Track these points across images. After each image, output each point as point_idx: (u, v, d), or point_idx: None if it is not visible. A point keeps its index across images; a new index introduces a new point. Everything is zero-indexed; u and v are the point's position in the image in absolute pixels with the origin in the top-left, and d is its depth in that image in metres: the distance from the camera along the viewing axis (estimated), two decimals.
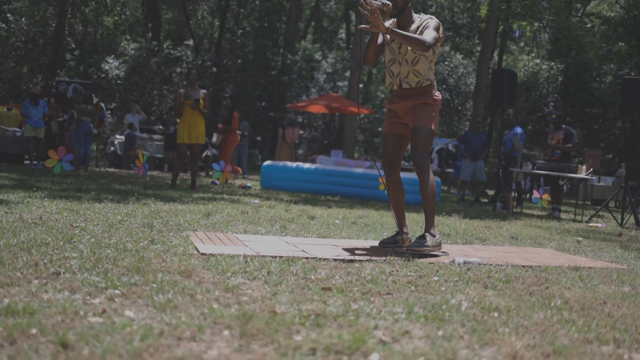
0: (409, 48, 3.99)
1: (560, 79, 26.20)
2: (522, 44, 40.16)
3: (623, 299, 2.86)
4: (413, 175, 10.29)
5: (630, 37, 26.40)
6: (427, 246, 3.87)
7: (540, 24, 25.57)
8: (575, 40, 24.75)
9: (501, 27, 31.32)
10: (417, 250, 3.84)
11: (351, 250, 3.84)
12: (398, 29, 4.05)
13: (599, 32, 28.13)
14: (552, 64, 27.10)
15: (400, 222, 4.32)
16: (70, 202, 5.44)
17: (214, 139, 11.80)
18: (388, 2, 3.89)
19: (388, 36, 4.12)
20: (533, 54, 36.22)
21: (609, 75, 25.73)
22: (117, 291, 2.28)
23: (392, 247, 4.14)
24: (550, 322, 2.29)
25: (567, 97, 25.78)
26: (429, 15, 4.11)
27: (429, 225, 4.02)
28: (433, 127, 4.07)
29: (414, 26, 4.07)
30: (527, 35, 38.25)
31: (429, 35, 3.90)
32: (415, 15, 4.14)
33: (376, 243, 4.34)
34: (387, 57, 4.19)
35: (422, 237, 3.92)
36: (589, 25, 27.89)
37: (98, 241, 3.40)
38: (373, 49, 4.10)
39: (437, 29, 3.97)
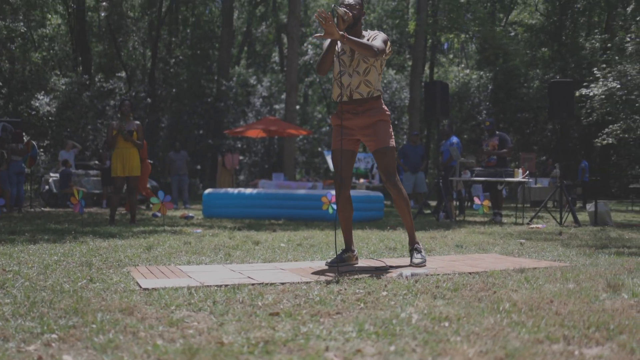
0: (361, 60, 4.07)
1: (490, 87, 26.92)
2: (451, 56, 41.13)
3: (569, 296, 2.89)
4: (359, 193, 10.32)
5: (552, 42, 27.40)
6: (424, 259, 4.18)
7: (467, 35, 26.27)
8: (501, 49, 25.51)
9: (430, 40, 32.05)
10: (421, 265, 4.09)
11: (298, 273, 3.79)
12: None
13: (522, 40, 29.09)
14: (482, 73, 27.84)
15: (349, 240, 4.31)
16: (3, 245, 5.21)
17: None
18: (349, 12, 4.00)
19: (339, 49, 4.16)
20: (463, 65, 37.13)
21: (536, 80, 26.57)
22: (54, 335, 2.16)
23: (339, 266, 4.10)
24: (501, 326, 2.28)
25: (498, 103, 26.49)
26: (376, 31, 4.21)
27: (414, 239, 4.30)
28: (393, 143, 4.20)
29: (364, 40, 4.11)
30: (455, 47, 39.20)
31: (377, 43, 4.00)
32: (364, 32, 4.21)
33: (323, 263, 4.29)
34: (335, 70, 4.22)
35: (418, 250, 4.24)
36: (512, 34, 28.80)
37: (33, 284, 3.25)
38: (330, 58, 4.11)
39: (385, 42, 4.07)
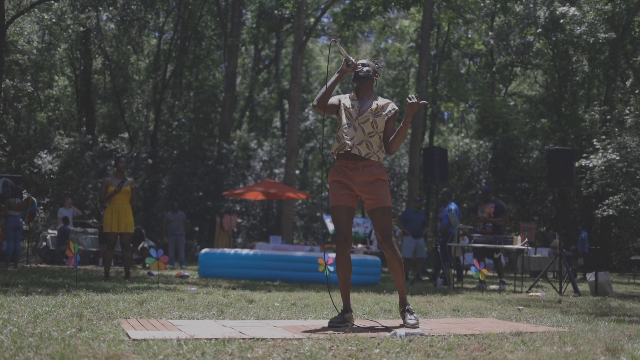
0: (370, 121, 4.15)
1: (490, 156, 27.12)
2: (451, 125, 41.66)
3: (565, 357, 2.83)
4: (356, 257, 10.23)
5: (551, 114, 27.76)
6: (418, 321, 4.12)
7: (467, 105, 26.66)
8: (501, 118, 25.83)
9: (430, 109, 32.51)
10: (415, 326, 4.00)
11: (290, 330, 3.72)
12: (358, 101, 4.26)
13: (522, 110, 29.51)
14: (481, 142, 28.11)
15: (346, 300, 4.22)
16: None
17: None
18: (355, 62, 4.24)
19: (348, 104, 4.27)
20: (462, 134, 37.54)
21: (536, 151, 26.79)
22: None
23: (342, 326, 3.97)
24: None
25: (497, 173, 26.62)
26: (388, 101, 4.29)
27: (405, 300, 4.26)
28: (391, 204, 4.22)
29: (378, 102, 4.24)
30: (455, 117, 39.74)
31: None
32: (379, 96, 4.31)
33: (317, 322, 4.22)
34: (342, 120, 4.23)
35: (410, 312, 4.18)
36: (512, 103, 29.23)
37: (21, 331, 3.19)
38: (331, 93, 4.26)
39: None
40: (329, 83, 4.23)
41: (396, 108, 4.25)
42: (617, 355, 2.95)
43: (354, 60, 4.26)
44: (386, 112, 4.21)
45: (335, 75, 4.27)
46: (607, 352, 3.03)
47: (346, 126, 4.17)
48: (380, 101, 4.26)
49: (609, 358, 2.88)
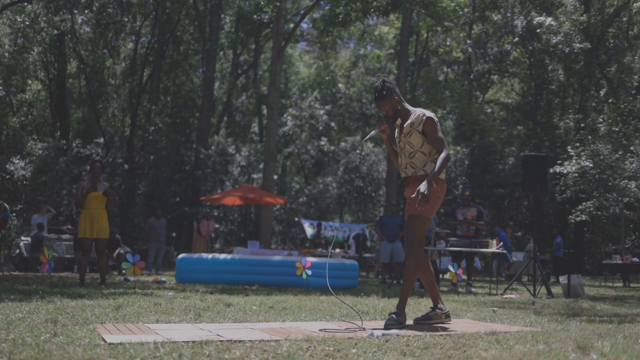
0: (407, 144, 4.44)
1: (467, 162, 27.34)
2: None
3: (538, 355, 2.88)
4: (334, 261, 10.29)
5: (527, 121, 28.09)
6: (399, 323, 4.18)
7: (444, 111, 26.89)
8: (478, 125, 26.06)
9: None
10: (392, 327, 4.07)
11: (268, 332, 3.73)
12: (400, 127, 4.54)
13: (498, 118, 29.81)
14: (458, 148, 28.34)
15: (434, 298, 4.53)
16: None
17: None
18: (381, 124, 4.56)
19: (396, 134, 4.61)
20: None
21: (511, 157, 27.09)
22: None
23: (425, 322, 4.40)
24: None
25: (474, 178, 26.85)
26: (421, 111, 4.47)
27: (403, 307, 4.29)
28: (427, 215, 4.33)
29: (409, 119, 4.45)
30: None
31: (439, 145, 4.35)
32: (410, 108, 4.54)
33: (294, 325, 4.24)
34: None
35: (397, 315, 4.22)
36: (489, 111, 29.51)
37: None
38: (395, 157, 4.69)
39: (438, 127, 4.41)
40: (390, 154, 4.82)
41: (426, 117, 4.39)
42: (588, 353, 3.01)
43: (378, 127, 4.58)
44: (416, 126, 4.40)
45: (387, 143, 4.72)
46: (578, 350, 3.09)
47: (399, 154, 4.58)
48: (412, 117, 4.45)
49: (579, 355, 2.94)
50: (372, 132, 4.62)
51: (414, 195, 4.25)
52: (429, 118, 4.37)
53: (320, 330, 3.91)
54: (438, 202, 4.39)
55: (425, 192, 4.11)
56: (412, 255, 4.30)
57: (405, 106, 4.53)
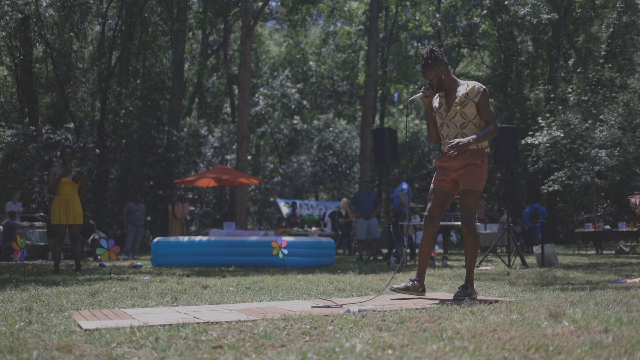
0: (459, 114, 4.40)
1: None
2: (401, 107, 42.01)
3: (511, 324, 2.93)
4: (310, 239, 10.32)
5: (498, 93, 28.29)
6: (468, 295, 4.33)
7: (416, 86, 26.93)
8: None
9: (380, 91, 32.71)
10: (462, 298, 4.24)
11: (245, 312, 3.74)
12: (445, 97, 4.52)
13: None
14: None
15: (421, 273, 4.64)
16: None
17: None
18: (427, 88, 4.52)
19: (436, 103, 4.59)
20: (412, 115, 37.93)
21: None
22: None
23: (402, 291, 4.61)
24: (443, 351, 2.29)
25: None
26: (475, 84, 4.46)
27: (470, 280, 4.47)
28: (479, 188, 4.43)
29: (461, 91, 4.43)
30: (405, 98, 40.08)
31: (490, 118, 4.39)
32: (457, 80, 4.54)
33: (271, 304, 4.25)
34: (437, 122, 4.58)
35: (465, 287, 4.39)
36: None
37: None
38: (433, 126, 4.66)
39: (488, 103, 4.44)
40: (428, 123, 4.70)
41: (483, 88, 4.42)
42: (560, 320, 3.07)
43: (422, 90, 4.58)
44: (472, 97, 4.40)
45: (428, 116, 4.70)
46: (551, 318, 3.14)
47: (441, 126, 4.55)
48: (465, 87, 4.45)
49: (551, 323, 3.00)
50: (418, 94, 4.59)
51: (453, 143, 4.26)
52: (485, 90, 4.44)
53: (313, 307, 3.96)
54: (485, 176, 4.46)
55: (461, 144, 4.20)
56: (470, 233, 4.42)
57: (452, 77, 4.53)
